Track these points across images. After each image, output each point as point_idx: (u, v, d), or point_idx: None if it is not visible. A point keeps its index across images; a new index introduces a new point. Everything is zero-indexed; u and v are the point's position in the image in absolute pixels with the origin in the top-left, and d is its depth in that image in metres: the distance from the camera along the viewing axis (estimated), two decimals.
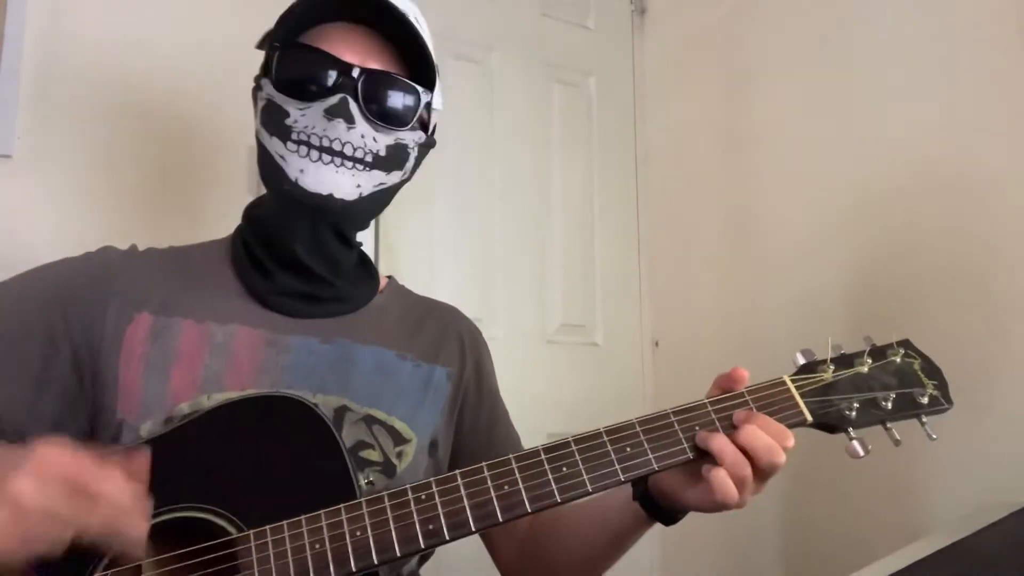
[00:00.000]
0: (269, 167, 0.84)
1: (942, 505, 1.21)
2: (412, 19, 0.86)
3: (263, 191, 1.34)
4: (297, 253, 0.85)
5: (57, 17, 1.22)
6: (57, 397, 0.78)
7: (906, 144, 1.34)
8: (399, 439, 0.85)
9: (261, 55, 1.36)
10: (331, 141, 0.80)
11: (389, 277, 1.01)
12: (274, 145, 0.82)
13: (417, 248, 1.58)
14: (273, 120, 0.82)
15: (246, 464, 0.72)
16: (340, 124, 0.80)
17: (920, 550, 0.91)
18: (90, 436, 0.79)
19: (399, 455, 0.84)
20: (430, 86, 0.88)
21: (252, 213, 0.92)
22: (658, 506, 0.76)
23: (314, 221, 0.84)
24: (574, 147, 1.84)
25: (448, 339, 0.95)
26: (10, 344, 0.78)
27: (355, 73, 0.81)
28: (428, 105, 0.89)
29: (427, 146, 0.92)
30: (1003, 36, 1.22)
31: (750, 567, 1.54)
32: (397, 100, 0.84)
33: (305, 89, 0.81)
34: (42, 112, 1.19)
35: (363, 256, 0.95)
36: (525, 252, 1.74)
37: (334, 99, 0.80)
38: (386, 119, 0.84)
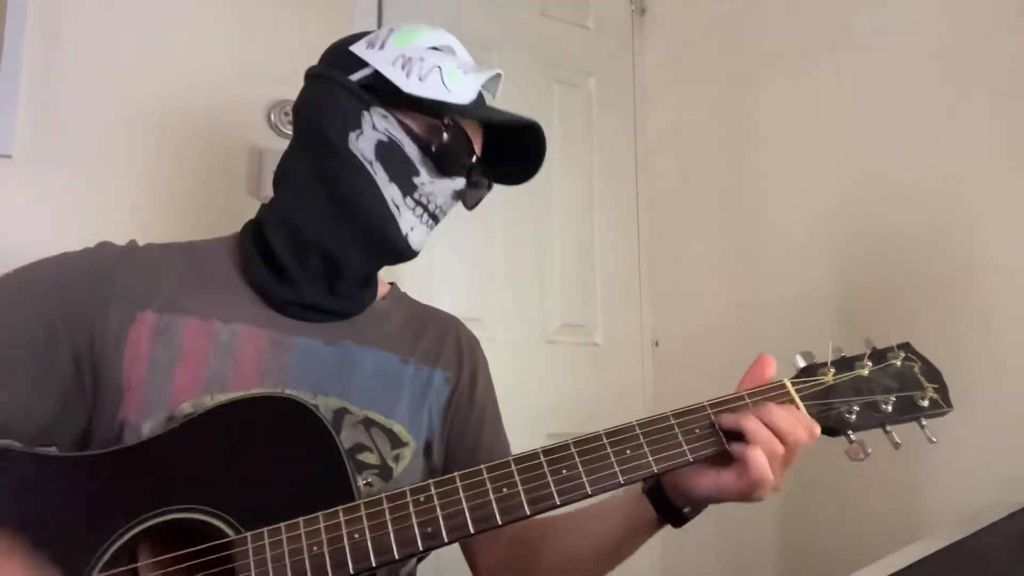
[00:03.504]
0: (375, 202, 0.84)
1: (942, 505, 1.21)
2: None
3: (264, 191, 1.35)
4: (346, 277, 0.87)
5: (57, 17, 1.22)
6: (55, 398, 0.77)
7: (905, 143, 1.34)
8: (396, 442, 0.85)
9: (262, 56, 1.36)
10: (439, 210, 0.89)
11: (391, 284, 1.01)
12: (391, 191, 0.84)
13: None
14: (397, 166, 0.84)
15: (245, 465, 0.72)
16: (457, 204, 0.90)
17: (920, 550, 0.91)
18: (87, 434, 0.78)
19: (396, 458, 0.85)
20: None
21: (289, 216, 0.86)
22: (669, 502, 0.75)
23: (389, 263, 0.92)
24: (574, 147, 1.84)
25: (448, 343, 0.96)
26: (7, 346, 0.77)
27: (474, 160, 0.88)
28: None
29: None
30: (1003, 37, 1.22)
31: (750, 568, 1.54)
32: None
33: (444, 165, 0.86)
34: (42, 112, 1.19)
35: None
36: (525, 252, 1.74)
37: (460, 183, 0.88)
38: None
